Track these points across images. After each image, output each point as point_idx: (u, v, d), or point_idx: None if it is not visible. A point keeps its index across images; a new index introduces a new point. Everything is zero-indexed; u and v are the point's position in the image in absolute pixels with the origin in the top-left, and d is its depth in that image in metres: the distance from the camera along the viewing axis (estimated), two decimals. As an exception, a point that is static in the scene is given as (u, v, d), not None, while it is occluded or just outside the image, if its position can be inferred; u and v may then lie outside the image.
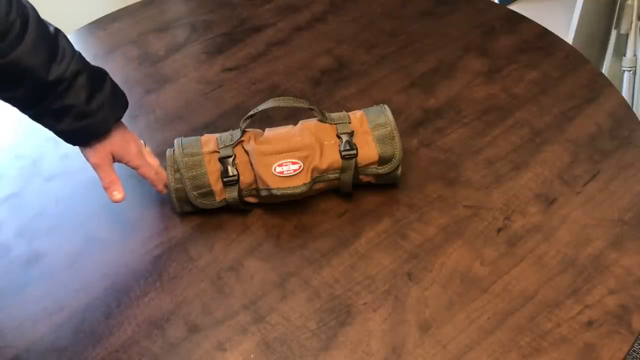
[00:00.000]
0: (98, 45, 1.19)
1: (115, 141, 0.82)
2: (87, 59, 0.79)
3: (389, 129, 0.86)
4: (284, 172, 0.83)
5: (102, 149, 0.81)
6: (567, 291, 0.77)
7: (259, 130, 0.89)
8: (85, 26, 1.24)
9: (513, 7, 1.48)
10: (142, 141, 0.88)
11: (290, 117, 1.01)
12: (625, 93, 1.75)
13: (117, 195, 0.83)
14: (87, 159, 0.82)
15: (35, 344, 0.77)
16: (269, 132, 0.88)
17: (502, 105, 1.02)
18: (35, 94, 0.74)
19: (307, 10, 1.25)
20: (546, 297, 0.77)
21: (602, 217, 0.85)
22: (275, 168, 0.83)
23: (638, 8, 1.67)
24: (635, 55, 1.73)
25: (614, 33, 1.77)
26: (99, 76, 0.79)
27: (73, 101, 0.76)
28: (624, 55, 1.74)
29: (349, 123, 0.87)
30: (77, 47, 0.79)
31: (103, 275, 0.84)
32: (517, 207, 0.87)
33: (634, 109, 1.75)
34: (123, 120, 0.83)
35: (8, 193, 0.96)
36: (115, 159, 0.83)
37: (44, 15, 0.76)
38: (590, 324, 0.74)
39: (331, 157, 0.85)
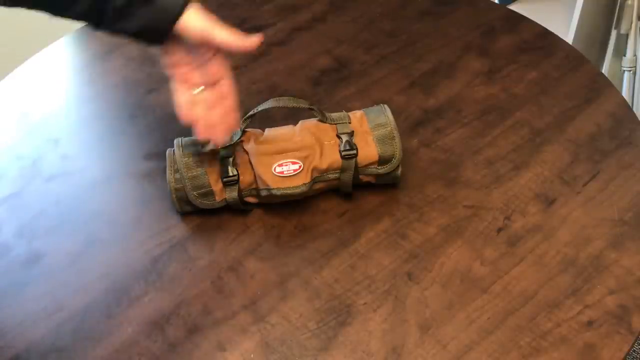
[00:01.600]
0: (98, 45, 1.19)
1: (198, 21, 0.77)
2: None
3: (389, 129, 0.86)
4: (284, 172, 0.83)
5: (195, 33, 0.77)
6: (567, 291, 0.78)
7: (259, 130, 0.89)
8: (85, 26, 1.24)
9: (513, 7, 1.48)
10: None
11: (290, 117, 1.01)
12: (625, 93, 1.75)
13: (254, 41, 0.82)
14: (191, 40, 0.78)
15: (35, 344, 0.77)
16: (269, 132, 0.88)
17: (502, 105, 1.02)
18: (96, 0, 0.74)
19: (307, 10, 1.25)
20: (546, 297, 0.77)
21: (602, 217, 0.85)
22: (275, 168, 0.83)
23: (638, 8, 1.67)
24: (635, 55, 1.73)
25: (614, 33, 1.77)
26: None
27: None
28: (624, 55, 1.74)
29: (349, 123, 0.87)
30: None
31: (103, 275, 0.84)
32: (517, 207, 0.87)
33: (634, 109, 1.75)
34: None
35: (8, 193, 0.96)
36: (210, 44, 0.79)
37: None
38: (590, 324, 0.74)
39: (331, 157, 0.85)
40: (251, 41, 0.81)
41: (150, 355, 0.75)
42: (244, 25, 1.23)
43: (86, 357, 0.76)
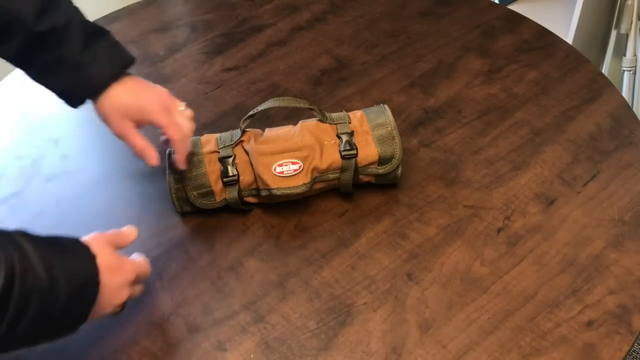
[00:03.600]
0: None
1: (124, 99, 0.76)
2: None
3: (389, 129, 0.86)
4: (284, 172, 0.83)
5: (114, 111, 0.76)
6: (567, 291, 0.77)
7: (259, 130, 0.89)
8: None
9: (513, 7, 1.48)
10: (182, 103, 0.82)
11: (291, 117, 1.01)
12: (625, 93, 1.76)
13: (152, 160, 0.78)
14: (110, 129, 0.78)
15: (35, 344, 0.77)
16: (269, 132, 0.88)
17: (502, 105, 1.02)
18: (29, 47, 0.72)
19: (307, 10, 1.25)
20: (546, 297, 0.77)
21: (602, 217, 0.85)
22: (275, 168, 0.83)
23: (638, 8, 1.67)
24: (635, 55, 1.73)
25: (614, 33, 1.77)
26: (97, 31, 0.77)
27: (66, 52, 0.73)
28: (624, 55, 1.74)
29: (349, 123, 0.87)
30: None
31: (103, 275, 0.84)
32: (517, 207, 0.87)
33: (634, 109, 1.75)
34: None
35: (8, 193, 0.96)
36: (137, 122, 0.78)
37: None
38: (590, 324, 0.74)
39: (331, 157, 0.85)
40: (152, 156, 0.79)
41: (150, 355, 0.75)
42: (243, 25, 1.23)
43: (86, 357, 0.76)
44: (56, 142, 1.03)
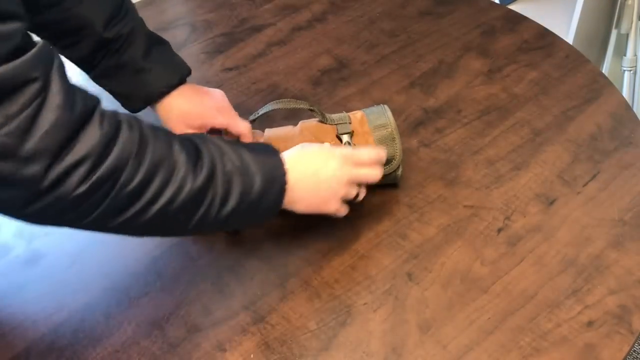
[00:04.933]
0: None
1: (184, 106, 0.82)
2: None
3: (389, 130, 0.86)
4: None
5: (174, 118, 0.82)
6: (567, 291, 0.77)
7: (259, 130, 0.89)
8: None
9: (513, 7, 1.48)
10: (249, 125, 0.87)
11: (291, 117, 1.01)
12: (625, 93, 1.75)
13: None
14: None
15: (35, 344, 0.77)
16: (269, 133, 0.88)
17: (502, 105, 1.02)
18: (96, 51, 0.79)
19: (307, 10, 1.25)
20: (546, 297, 0.77)
21: (602, 217, 0.85)
22: None
23: (638, 8, 1.67)
24: (635, 55, 1.73)
25: (614, 33, 1.77)
26: (158, 40, 0.83)
27: (128, 58, 0.80)
28: (624, 55, 1.74)
29: (349, 124, 0.87)
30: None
31: (103, 275, 0.84)
32: (517, 207, 0.87)
33: (634, 109, 1.74)
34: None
35: (8, 193, 0.96)
36: (198, 128, 0.83)
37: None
38: (590, 324, 0.74)
39: None
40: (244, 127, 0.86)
41: (150, 355, 0.75)
42: (243, 25, 1.23)
43: (86, 357, 0.76)
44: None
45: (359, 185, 0.78)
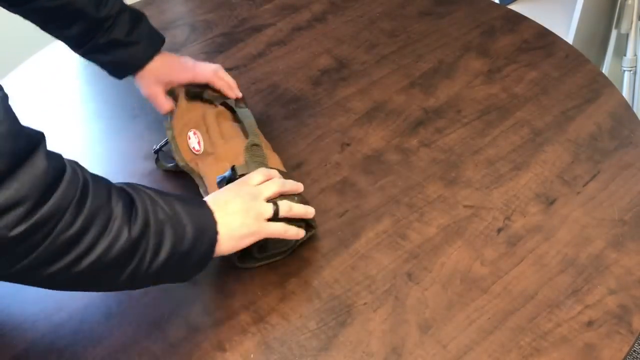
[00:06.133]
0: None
1: (159, 69, 0.93)
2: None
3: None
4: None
5: (149, 80, 0.93)
6: (567, 291, 0.77)
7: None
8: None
9: (513, 7, 1.48)
10: (217, 65, 0.98)
11: (289, 117, 1.01)
12: (625, 93, 1.75)
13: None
14: (142, 92, 0.95)
15: (35, 344, 0.77)
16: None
17: (502, 105, 1.02)
18: (87, 31, 0.87)
19: (307, 10, 1.25)
20: (546, 297, 0.77)
21: (602, 217, 0.85)
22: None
23: (638, 8, 1.67)
24: (635, 55, 1.73)
25: (614, 33, 1.77)
26: (138, 16, 0.92)
27: (117, 35, 0.88)
28: (624, 55, 1.74)
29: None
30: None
31: (103, 275, 0.84)
32: (517, 207, 0.87)
33: (634, 109, 1.74)
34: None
35: (8, 193, 0.96)
36: (168, 85, 0.95)
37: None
38: (590, 324, 0.74)
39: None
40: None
41: (150, 355, 0.75)
42: (243, 25, 1.23)
43: (86, 357, 0.75)
44: (56, 142, 1.03)
45: (273, 201, 0.77)
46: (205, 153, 0.88)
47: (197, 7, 1.29)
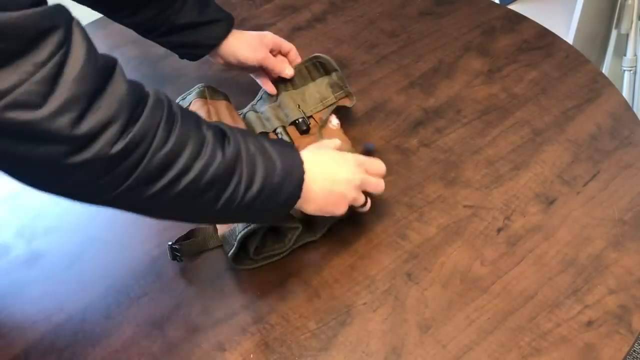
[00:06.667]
0: (98, 45, 1.17)
1: (237, 50, 0.95)
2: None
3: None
4: None
5: (231, 58, 0.96)
6: (567, 291, 0.77)
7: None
8: (85, 25, 1.23)
9: (513, 7, 1.48)
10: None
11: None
12: (625, 93, 1.75)
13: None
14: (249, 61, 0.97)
15: (35, 344, 0.77)
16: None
17: (502, 105, 1.02)
18: (158, 15, 0.89)
19: (307, 10, 1.25)
20: (546, 297, 0.77)
21: (602, 217, 0.85)
22: None
23: (638, 8, 1.67)
24: (635, 55, 1.73)
25: (614, 33, 1.77)
26: None
27: (188, 17, 0.90)
28: (624, 55, 1.74)
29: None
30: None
31: (103, 275, 0.84)
32: (517, 207, 0.87)
33: (634, 109, 1.74)
34: None
35: (8, 193, 0.96)
36: (263, 45, 0.97)
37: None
38: (590, 324, 0.74)
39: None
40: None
41: (150, 355, 0.75)
42: (244, 25, 1.23)
43: (86, 357, 0.76)
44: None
45: (366, 194, 0.79)
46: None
47: (197, 7, 1.29)
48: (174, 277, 0.83)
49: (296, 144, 0.94)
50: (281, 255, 0.82)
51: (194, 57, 0.98)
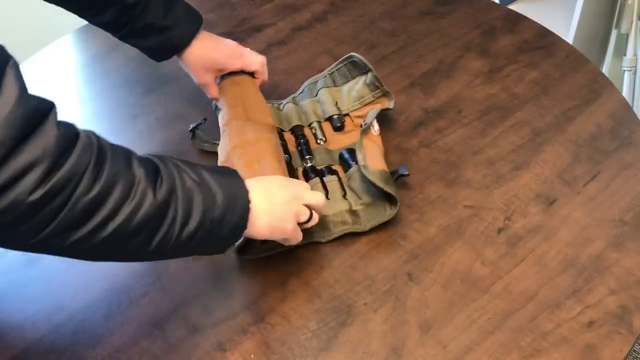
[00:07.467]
0: (98, 44, 1.19)
1: (206, 55, 0.94)
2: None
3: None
4: None
5: (198, 65, 0.94)
6: (567, 291, 0.77)
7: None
8: (85, 25, 1.23)
9: (513, 7, 1.48)
10: (263, 57, 0.99)
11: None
12: (625, 93, 1.75)
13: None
14: (195, 80, 0.97)
15: (35, 344, 0.77)
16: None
17: (503, 105, 1.02)
18: (120, 17, 0.88)
19: (307, 10, 1.25)
20: (547, 298, 0.77)
21: (602, 217, 0.85)
22: None
23: (638, 8, 1.67)
24: (635, 55, 1.73)
25: (614, 33, 1.77)
26: None
27: (151, 19, 0.89)
28: (624, 55, 1.74)
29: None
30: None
31: (103, 275, 0.84)
32: (517, 207, 0.87)
33: (634, 109, 1.74)
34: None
35: (8, 193, 0.96)
36: (219, 72, 0.97)
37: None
38: (590, 324, 0.74)
39: None
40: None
41: (150, 355, 0.75)
42: (244, 25, 1.23)
43: (86, 357, 0.75)
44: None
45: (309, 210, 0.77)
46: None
47: (197, 7, 1.28)
48: (174, 277, 0.83)
49: (329, 140, 0.96)
50: (285, 247, 0.82)
51: (159, 59, 0.96)
